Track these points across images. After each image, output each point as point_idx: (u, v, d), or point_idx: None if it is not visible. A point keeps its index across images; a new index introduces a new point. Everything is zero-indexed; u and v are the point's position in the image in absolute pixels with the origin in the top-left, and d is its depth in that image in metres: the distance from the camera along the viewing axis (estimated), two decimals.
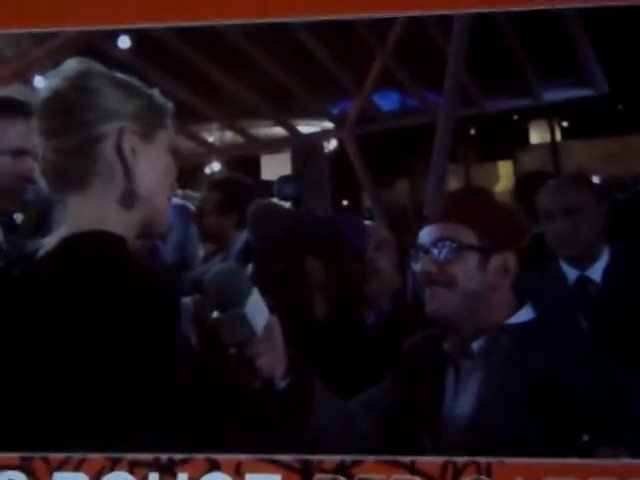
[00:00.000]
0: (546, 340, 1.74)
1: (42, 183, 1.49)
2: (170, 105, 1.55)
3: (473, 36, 8.73)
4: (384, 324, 2.50)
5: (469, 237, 1.79)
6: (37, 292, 1.36)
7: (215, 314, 1.48)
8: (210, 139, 14.92)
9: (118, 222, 1.45)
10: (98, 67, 1.51)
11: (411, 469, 1.14)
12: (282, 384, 1.57)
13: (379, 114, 12.99)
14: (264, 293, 1.52)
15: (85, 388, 1.29)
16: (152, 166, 1.49)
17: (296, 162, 15.36)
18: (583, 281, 2.72)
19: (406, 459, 1.14)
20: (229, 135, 14.38)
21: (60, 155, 1.45)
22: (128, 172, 1.45)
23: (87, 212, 1.45)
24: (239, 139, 14.03)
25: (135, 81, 1.53)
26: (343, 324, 2.47)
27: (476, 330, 1.80)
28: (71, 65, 1.49)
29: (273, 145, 14.60)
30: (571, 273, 2.74)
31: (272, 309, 1.55)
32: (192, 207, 3.94)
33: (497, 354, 1.76)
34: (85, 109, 1.45)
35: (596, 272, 2.71)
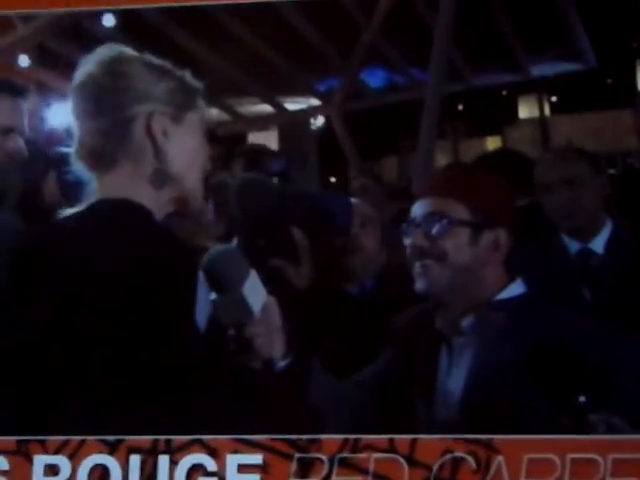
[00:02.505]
0: (537, 313, 1.74)
1: (78, 164, 1.54)
2: (201, 86, 1.60)
3: (460, 11, 8.69)
4: (367, 298, 2.51)
5: (461, 212, 1.79)
6: (62, 250, 1.41)
7: (213, 296, 1.48)
8: None
9: (146, 198, 1.50)
10: (129, 52, 1.56)
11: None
12: (281, 364, 1.57)
13: (366, 91, 12.95)
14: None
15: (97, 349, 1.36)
16: (183, 146, 1.54)
17: (283, 139, 15.30)
18: (585, 253, 2.68)
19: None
20: (216, 112, 14.32)
21: (94, 137, 1.51)
22: (158, 153, 1.51)
23: (117, 187, 1.50)
24: (226, 116, 13.98)
25: (166, 64, 1.57)
26: (328, 296, 2.47)
27: (466, 306, 1.80)
28: (104, 51, 1.55)
29: (260, 122, 14.56)
30: (573, 245, 2.70)
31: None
32: None
33: (487, 330, 1.76)
34: (118, 92, 1.50)
35: (598, 244, 2.67)
